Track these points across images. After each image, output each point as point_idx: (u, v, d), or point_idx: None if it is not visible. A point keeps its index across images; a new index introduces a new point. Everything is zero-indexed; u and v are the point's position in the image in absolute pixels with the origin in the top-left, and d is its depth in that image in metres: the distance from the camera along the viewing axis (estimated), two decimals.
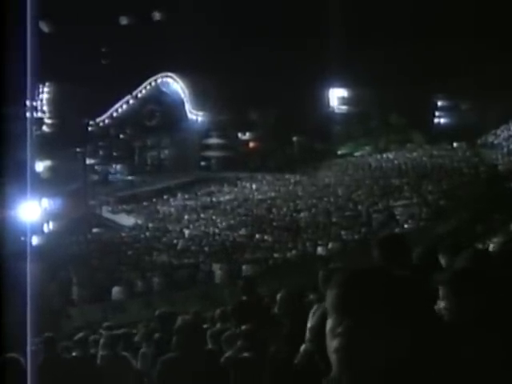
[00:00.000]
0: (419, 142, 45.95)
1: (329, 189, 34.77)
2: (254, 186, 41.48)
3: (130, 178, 52.60)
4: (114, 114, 57.46)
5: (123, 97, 57.15)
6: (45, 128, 53.99)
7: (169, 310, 6.00)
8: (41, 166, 43.29)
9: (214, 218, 32.42)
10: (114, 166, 55.16)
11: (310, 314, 3.35)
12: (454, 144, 42.71)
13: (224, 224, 29.93)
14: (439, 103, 51.71)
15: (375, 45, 44.06)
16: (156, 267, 22.07)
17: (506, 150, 35.95)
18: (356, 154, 48.33)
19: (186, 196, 42.95)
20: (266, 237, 24.85)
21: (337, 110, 53.12)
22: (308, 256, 20.79)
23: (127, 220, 38.39)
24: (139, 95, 57.61)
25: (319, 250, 21.24)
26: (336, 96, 53.36)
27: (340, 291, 1.26)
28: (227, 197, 39.53)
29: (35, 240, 28.62)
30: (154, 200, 43.05)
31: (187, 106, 54.26)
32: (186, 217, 34.53)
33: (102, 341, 6.32)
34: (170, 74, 55.71)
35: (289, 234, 24.75)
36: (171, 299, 16.68)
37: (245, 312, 5.49)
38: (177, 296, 17.58)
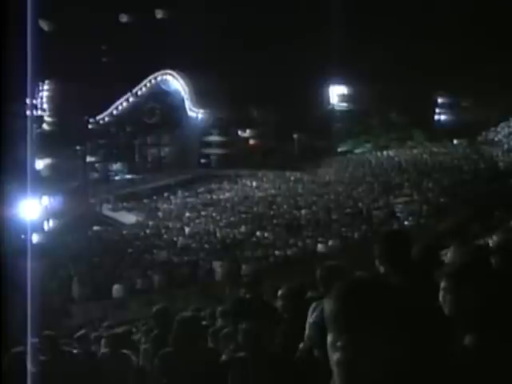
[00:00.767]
0: (419, 139, 45.84)
1: (329, 186, 34.74)
2: (254, 184, 41.41)
3: (130, 175, 52.62)
4: (114, 112, 57.38)
5: (123, 95, 57.07)
6: (45, 126, 53.99)
7: (166, 305, 5.98)
8: (41, 164, 43.29)
9: (214, 215, 32.38)
10: (114, 163, 55.15)
11: (310, 311, 3.35)
12: (455, 141, 42.67)
13: (224, 221, 29.93)
14: (440, 100, 51.58)
15: (375, 42, 44.03)
16: (156, 265, 22.12)
17: (506, 146, 35.88)
18: (356, 151, 48.22)
19: (187, 193, 42.95)
20: (266, 234, 24.85)
21: (337, 108, 53.06)
22: (308, 253, 20.83)
23: (127, 218, 38.41)
24: (139, 93, 57.48)
25: (320, 247, 21.28)
26: (336, 93, 53.25)
27: (337, 305, 1.27)
28: (227, 194, 39.47)
29: (35, 238, 28.71)
30: (155, 197, 43.10)
31: (187, 104, 54.12)
32: (186, 214, 34.50)
33: (103, 341, 6.34)
34: (170, 71, 55.51)
35: (289, 232, 24.77)
36: (172, 296, 16.69)
37: (245, 309, 5.49)
38: (177, 293, 17.60)
